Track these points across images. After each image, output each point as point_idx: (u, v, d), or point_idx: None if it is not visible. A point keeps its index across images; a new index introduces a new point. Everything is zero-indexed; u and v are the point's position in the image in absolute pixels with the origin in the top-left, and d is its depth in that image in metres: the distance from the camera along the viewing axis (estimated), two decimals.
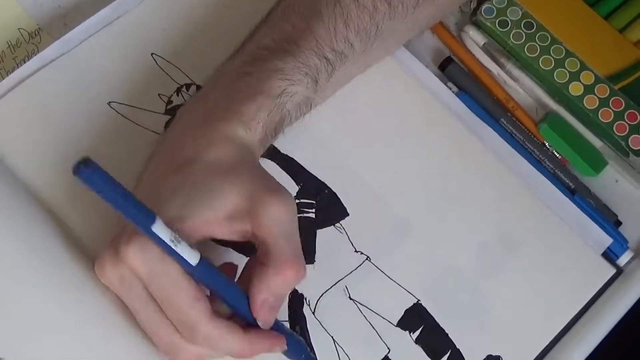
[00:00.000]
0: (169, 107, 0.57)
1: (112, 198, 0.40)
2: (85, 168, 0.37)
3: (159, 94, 0.57)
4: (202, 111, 0.51)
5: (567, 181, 0.60)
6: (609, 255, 0.58)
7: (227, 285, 0.46)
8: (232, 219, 0.46)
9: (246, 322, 0.47)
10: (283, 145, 0.56)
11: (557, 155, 0.61)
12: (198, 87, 0.57)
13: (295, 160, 0.56)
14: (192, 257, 0.44)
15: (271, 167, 0.56)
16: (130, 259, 0.44)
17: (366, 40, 0.54)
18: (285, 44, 0.52)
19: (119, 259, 0.45)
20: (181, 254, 0.43)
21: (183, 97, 0.57)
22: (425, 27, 0.60)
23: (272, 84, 0.50)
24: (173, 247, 0.43)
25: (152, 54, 0.58)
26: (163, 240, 0.42)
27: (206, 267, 0.45)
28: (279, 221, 0.46)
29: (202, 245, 0.46)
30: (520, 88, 0.62)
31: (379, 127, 0.58)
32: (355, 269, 0.55)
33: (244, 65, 0.52)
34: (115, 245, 0.45)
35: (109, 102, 0.56)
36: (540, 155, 0.60)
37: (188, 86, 0.57)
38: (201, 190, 0.46)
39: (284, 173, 0.56)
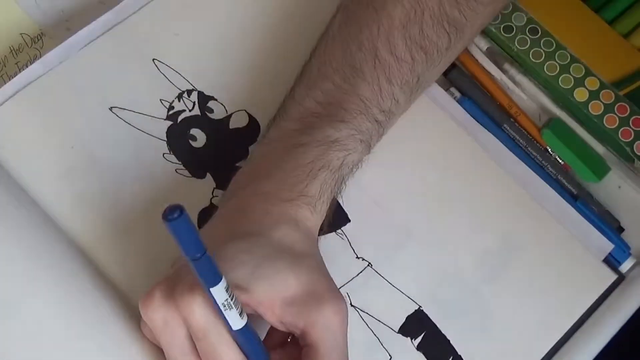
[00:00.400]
0: (170, 112, 0.57)
1: (190, 252, 0.39)
2: (176, 217, 0.37)
3: (160, 100, 0.57)
4: (265, 186, 0.50)
5: (569, 187, 0.60)
6: (611, 262, 0.58)
7: (264, 352, 0.46)
8: (286, 307, 0.45)
9: None
10: None
11: (560, 161, 0.60)
12: (199, 93, 0.57)
13: None
14: (237, 323, 0.43)
15: None
16: (189, 308, 0.43)
17: (409, 93, 0.53)
18: (333, 108, 0.51)
19: (173, 303, 0.44)
20: (227, 318, 0.43)
21: (184, 103, 0.57)
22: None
23: (331, 156, 0.50)
24: (222, 310, 0.42)
25: (153, 60, 0.58)
26: (215, 301, 0.42)
27: (247, 335, 0.44)
28: (333, 328, 0.45)
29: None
30: (523, 93, 0.62)
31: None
32: (357, 275, 0.55)
33: (296, 134, 0.51)
34: (172, 287, 0.44)
35: (111, 108, 0.56)
36: (542, 161, 0.60)
37: (189, 92, 0.57)
38: (267, 267, 0.45)
39: None
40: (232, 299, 0.42)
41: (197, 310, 0.43)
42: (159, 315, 0.44)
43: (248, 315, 0.44)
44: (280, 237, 0.47)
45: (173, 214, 0.37)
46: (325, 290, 0.46)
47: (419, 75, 0.53)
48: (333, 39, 0.55)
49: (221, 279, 0.41)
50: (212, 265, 0.41)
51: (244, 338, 0.44)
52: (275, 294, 0.45)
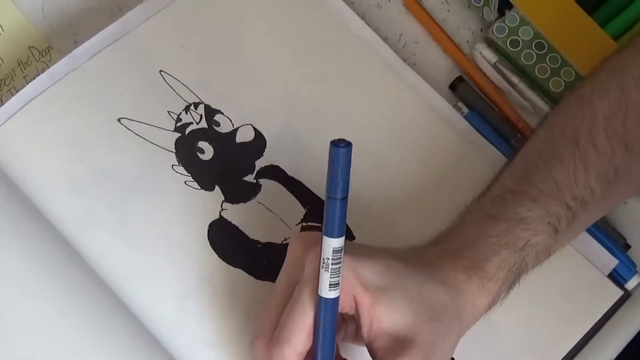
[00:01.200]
0: (178, 124, 0.57)
1: (334, 185, 0.41)
2: (345, 146, 0.41)
3: (168, 111, 0.57)
4: (452, 244, 0.51)
5: None
6: (617, 279, 0.58)
7: (330, 337, 0.46)
8: (385, 333, 0.46)
9: None
10: (290, 168, 0.56)
11: None
12: (206, 107, 0.57)
13: (302, 183, 0.56)
14: (325, 290, 0.44)
15: (278, 190, 0.56)
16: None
17: (606, 185, 0.53)
18: (527, 186, 0.52)
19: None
20: (321, 276, 0.44)
21: (192, 115, 0.57)
22: None
23: (517, 235, 0.50)
24: (321, 265, 0.43)
25: (160, 71, 0.58)
26: (321, 253, 0.43)
27: (327, 310, 0.45)
28: None
29: None
30: (532, 108, 0.62)
31: (388, 150, 0.58)
32: None
33: (489, 206, 0.52)
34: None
35: (119, 119, 0.56)
36: None
37: (196, 105, 0.57)
38: (401, 291, 0.46)
39: (291, 196, 0.56)
40: (335, 263, 0.43)
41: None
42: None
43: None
44: (432, 288, 0.47)
45: (344, 142, 0.41)
46: (423, 352, 0.46)
47: (616, 168, 0.52)
48: (540, 127, 0.55)
49: (340, 237, 0.42)
50: (342, 216, 0.42)
51: (323, 312, 0.44)
52: (388, 314, 0.45)
